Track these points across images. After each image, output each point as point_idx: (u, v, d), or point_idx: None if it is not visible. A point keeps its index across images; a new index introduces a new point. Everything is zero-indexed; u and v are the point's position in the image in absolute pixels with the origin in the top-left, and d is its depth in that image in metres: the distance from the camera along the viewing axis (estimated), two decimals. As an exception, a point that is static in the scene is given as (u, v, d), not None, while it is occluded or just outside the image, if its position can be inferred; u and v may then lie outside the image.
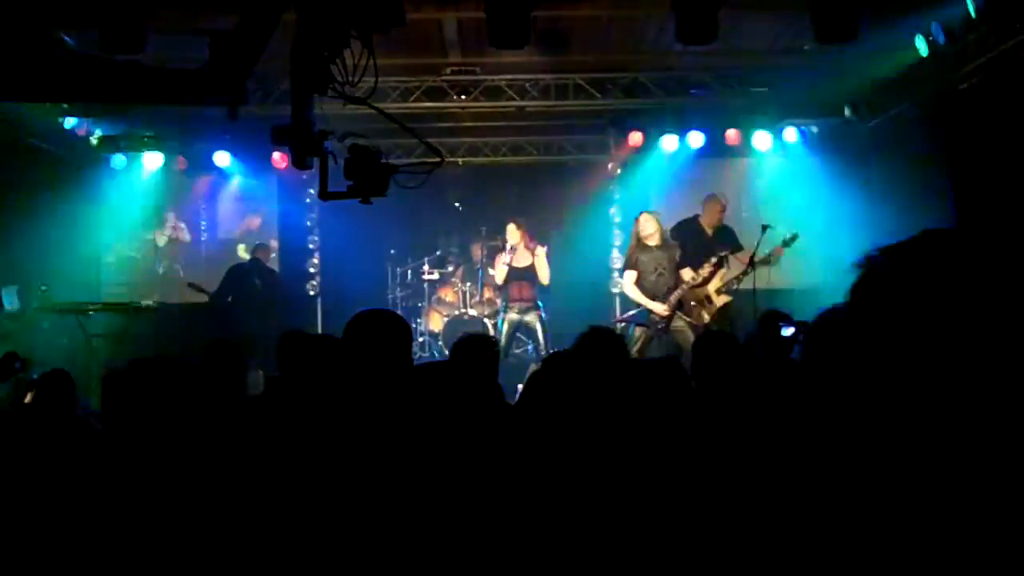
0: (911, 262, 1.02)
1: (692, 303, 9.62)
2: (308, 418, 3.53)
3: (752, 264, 9.49)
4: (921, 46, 9.25)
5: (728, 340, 5.43)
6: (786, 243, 9.65)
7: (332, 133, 5.00)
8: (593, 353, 4.69)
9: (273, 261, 12.99)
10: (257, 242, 12.84)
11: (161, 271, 13.39)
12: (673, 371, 3.66)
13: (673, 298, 9.52)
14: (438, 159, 5.03)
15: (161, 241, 13.50)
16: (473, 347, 5.22)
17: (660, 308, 9.54)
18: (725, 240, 10.17)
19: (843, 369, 1.06)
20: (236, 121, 5.38)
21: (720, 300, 9.69)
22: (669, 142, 12.88)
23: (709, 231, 10.26)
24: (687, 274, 9.58)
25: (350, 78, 4.65)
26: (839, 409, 1.04)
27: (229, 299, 11.89)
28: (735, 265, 9.87)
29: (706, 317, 9.58)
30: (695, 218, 10.47)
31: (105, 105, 11.32)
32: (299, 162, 5.08)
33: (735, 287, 9.77)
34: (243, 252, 12.95)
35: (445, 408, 3.57)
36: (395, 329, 3.63)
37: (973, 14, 8.21)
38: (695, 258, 9.72)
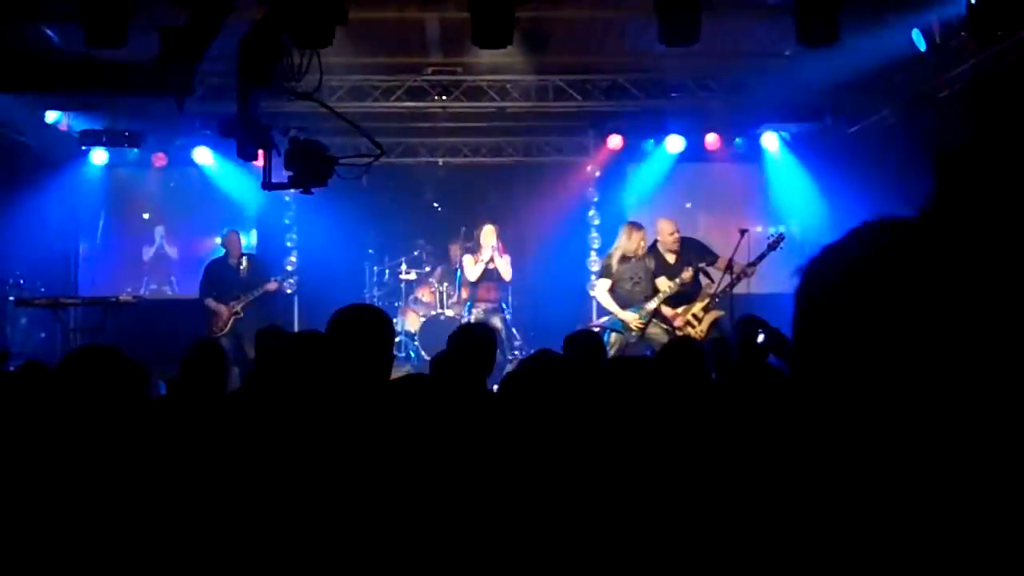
0: (848, 260, 0.95)
1: (680, 327, 9.33)
2: (287, 414, 3.50)
3: (740, 274, 9.24)
4: (919, 40, 9.17)
5: (693, 346, 5.48)
6: (771, 246, 9.22)
7: (273, 127, 5.11)
8: (574, 356, 4.71)
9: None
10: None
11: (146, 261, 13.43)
12: (649, 371, 3.66)
13: (650, 306, 9.41)
14: (378, 152, 5.09)
15: (147, 255, 13.53)
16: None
17: (633, 320, 9.48)
18: (691, 255, 9.61)
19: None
20: (184, 111, 5.51)
21: (709, 317, 9.37)
22: (649, 145, 12.93)
23: (671, 257, 9.63)
24: (663, 284, 9.42)
25: (295, 74, 4.72)
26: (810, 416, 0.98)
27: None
28: (715, 275, 9.54)
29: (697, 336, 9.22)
30: (655, 244, 9.79)
31: (84, 99, 11.27)
32: (242, 153, 5.14)
33: (720, 300, 9.46)
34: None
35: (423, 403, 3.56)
36: (380, 324, 3.63)
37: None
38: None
